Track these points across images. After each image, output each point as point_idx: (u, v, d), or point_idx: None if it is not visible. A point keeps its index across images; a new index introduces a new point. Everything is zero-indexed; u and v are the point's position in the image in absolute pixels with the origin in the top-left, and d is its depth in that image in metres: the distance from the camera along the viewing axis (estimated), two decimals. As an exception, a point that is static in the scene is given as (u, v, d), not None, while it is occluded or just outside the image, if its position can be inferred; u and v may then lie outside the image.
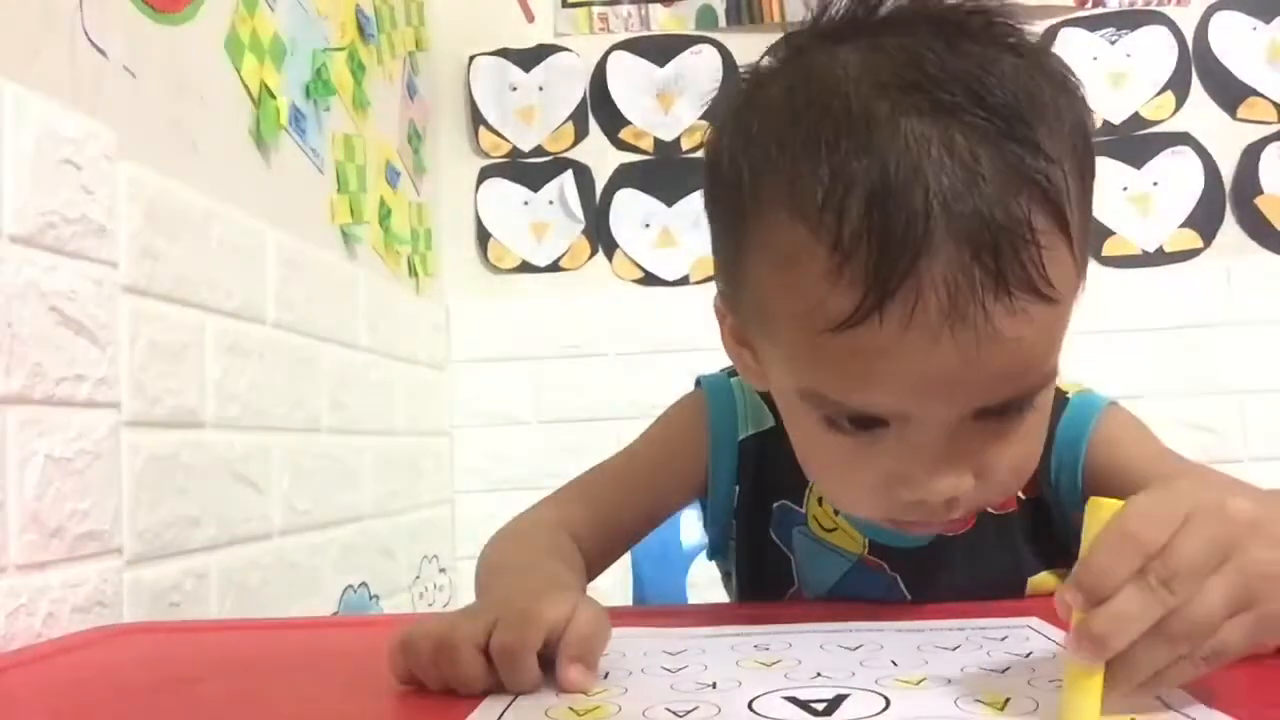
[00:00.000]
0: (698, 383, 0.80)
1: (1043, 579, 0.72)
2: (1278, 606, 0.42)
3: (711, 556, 0.82)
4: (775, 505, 0.76)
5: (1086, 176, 0.57)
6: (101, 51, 0.92)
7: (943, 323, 0.51)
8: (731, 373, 0.79)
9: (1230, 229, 1.96)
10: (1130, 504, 0.42)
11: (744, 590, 0.80)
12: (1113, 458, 0.69)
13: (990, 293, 0.51)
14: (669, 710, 0.45)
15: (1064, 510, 0.71)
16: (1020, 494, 0.71)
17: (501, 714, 0.45)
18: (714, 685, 0.49)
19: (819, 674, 0.50)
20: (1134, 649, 0.40)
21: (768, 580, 0.77)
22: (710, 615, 0.68)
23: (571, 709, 0.45)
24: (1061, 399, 0.71)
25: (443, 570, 1.88)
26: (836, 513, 0.73)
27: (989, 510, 0.70)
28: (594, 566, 0.77)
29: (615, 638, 0.57)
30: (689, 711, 0.44)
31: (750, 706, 0.45)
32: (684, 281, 2.02)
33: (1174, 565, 0.40)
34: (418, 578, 1.74)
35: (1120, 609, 0.40)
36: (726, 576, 0.83)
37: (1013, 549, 0.72)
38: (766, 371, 0.64)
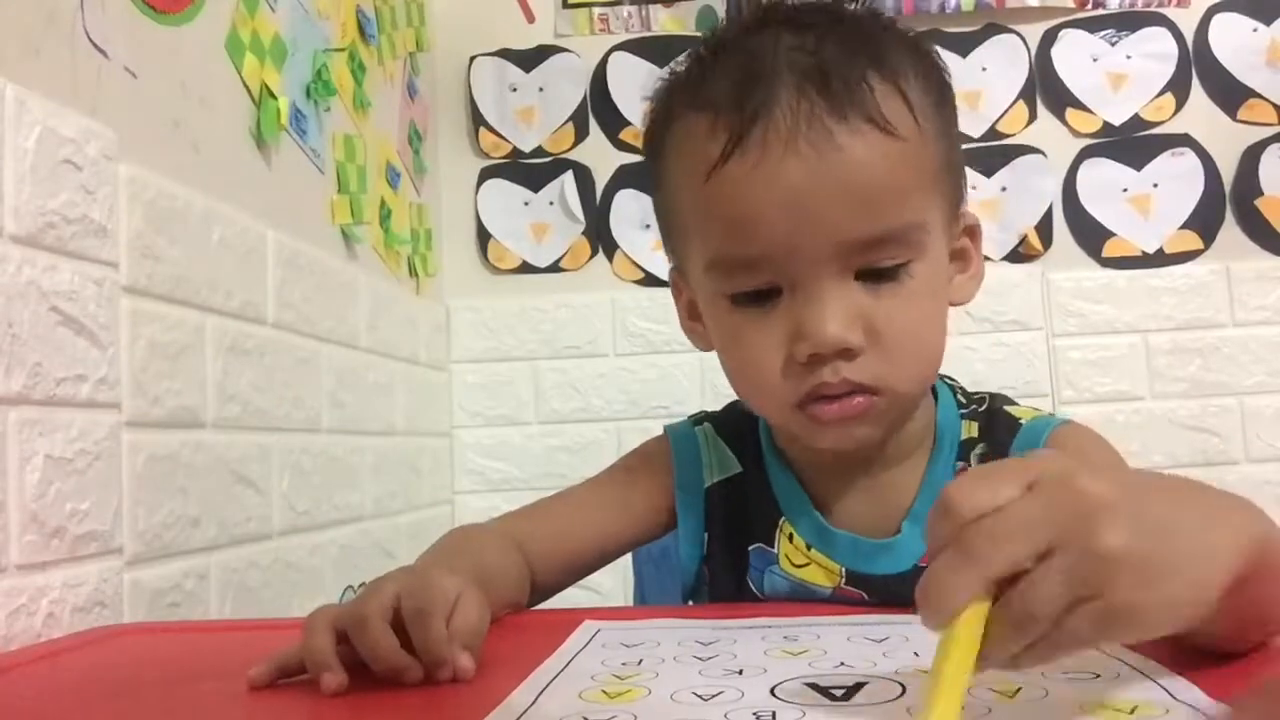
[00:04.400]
0: (665, 431, 0.83)
1: None
2: (1126, 597, 0.38)
3: (686, 599, 0.83)
4: (751, 549, 0.77)
5: (933, 93, 0.67)
6: (102, 51, 0.92)
7: (792, 139, 0.62)
8: (696, 421, 0.83)
9: (1230, 230, 1.96)
10: (970, 470, 0.40)
11: None
12: None
13: (827, 114, 0.62)
14: (695, 694, 0.47)
15: None
16: None
17: (535, 699, 0.47)
18: (740, 672, 0.51)
19: (842, 663, 0.52)
20: (988, 633, 0.38)
21: None
22: (745, 610, 0.68)
23: (604, 692, 0.48)
24: (1016, 424, 0.73)
25: (442, 570, 1.88)
26: (809, 547, 0.74)
27: None
28: (548, 587, 0.79)
29: (651, 628, 0.61)
30: (714, 695, 0.46)
31: (772, 692, 0.47)
32: (684, 282, 2.01)
33: (990, 526, 0.38)
34: (417, 578, 1.74)
35: (933, 569, 0.39)
36: None
37: None
38: (696, 292, 0.73)
